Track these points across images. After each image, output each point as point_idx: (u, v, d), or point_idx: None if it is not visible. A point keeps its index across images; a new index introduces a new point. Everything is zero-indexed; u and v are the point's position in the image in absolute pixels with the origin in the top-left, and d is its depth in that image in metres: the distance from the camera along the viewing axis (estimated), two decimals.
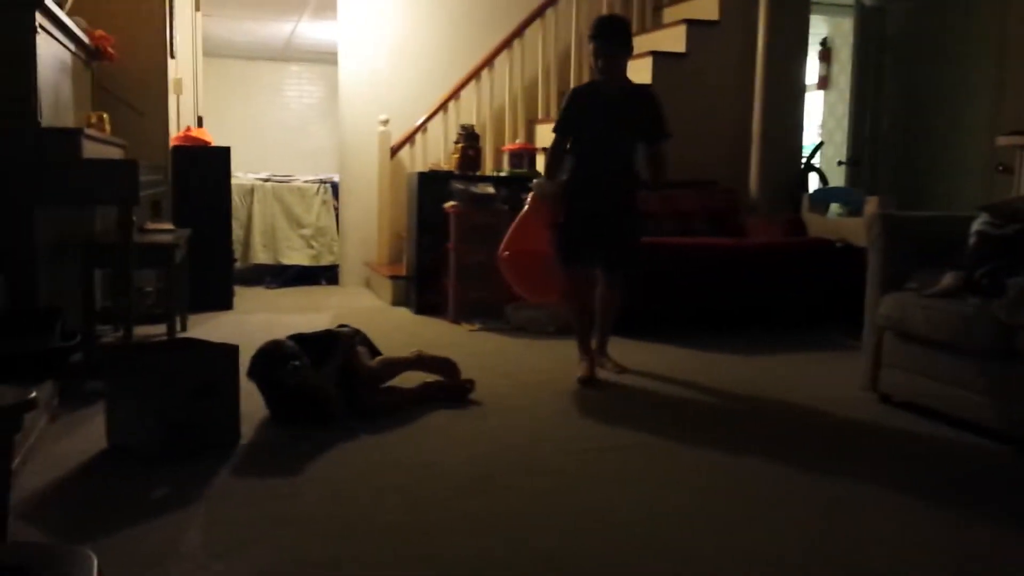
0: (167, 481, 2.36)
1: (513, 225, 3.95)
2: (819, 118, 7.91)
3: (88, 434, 2.71)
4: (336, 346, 3.02)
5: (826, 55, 7.71)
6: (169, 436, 2.50)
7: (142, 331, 4.21)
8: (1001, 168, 4.55)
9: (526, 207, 3.84)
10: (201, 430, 2.58)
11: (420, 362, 3.31)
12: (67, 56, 3.92)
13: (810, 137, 7.40)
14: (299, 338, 3.04)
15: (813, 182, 6.59)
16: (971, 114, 6.08)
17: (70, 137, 3.22)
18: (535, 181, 3.83)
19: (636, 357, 3.91)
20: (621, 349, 4.06)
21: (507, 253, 3.92)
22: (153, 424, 2.49)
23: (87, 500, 2.25)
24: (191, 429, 2.55)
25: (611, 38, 3.51)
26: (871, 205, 5.05)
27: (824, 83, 7.74)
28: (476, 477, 2.45)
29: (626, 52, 3.57)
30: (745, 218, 5.47)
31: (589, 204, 3.56)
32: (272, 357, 2.87)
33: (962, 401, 2.92)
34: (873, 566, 1.94)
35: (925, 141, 6.51)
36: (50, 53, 3.51)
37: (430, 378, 3.31)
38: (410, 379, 3.26)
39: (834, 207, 6.15)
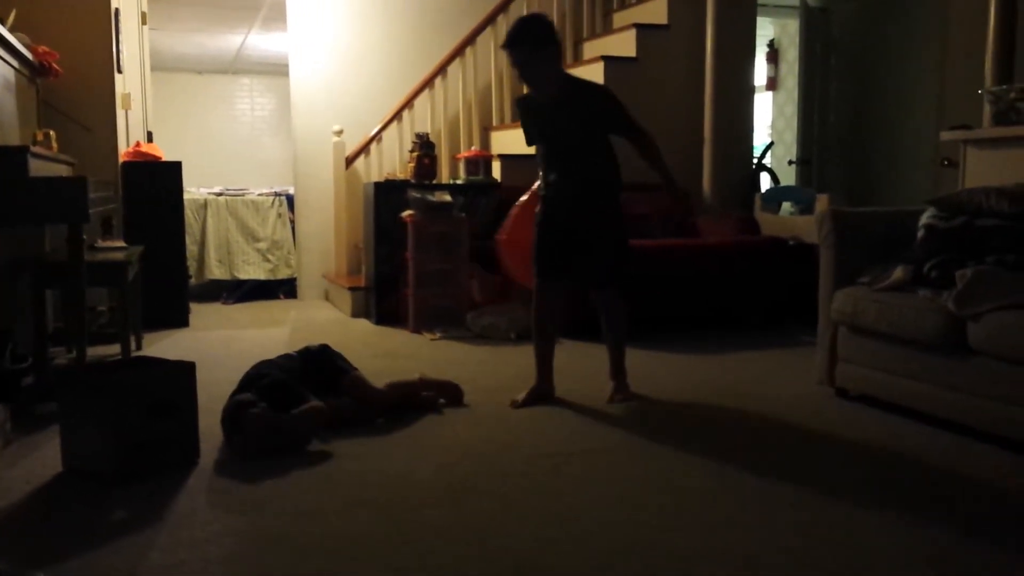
0: (126, 503, 2.31)
1: (514, 211, 3.77)
2: (769, 118, 8.04)
3: (43, 458, 2.65)
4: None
5: (773, 56, 7.85)
6: (126, 457, 2.45)
7: (95, 351, 4.13)
8: (946, 162, 4.66)
9: (526, 196, 3.67)
10: (159, 450, 2.53)
11: (425, 385, 3.31)
12: (10, 73, 3.85)
13: (761, 137, 7.52)
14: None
15: (765, 182, 6.70)
16: (916, 110, 6.22)
17: (15, 155, 3.15)
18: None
19: (596, 361, 3.93)
20: (581, 353, 4.08)
21: (505, 237, 3.83)
22: (109, 445, 2.44)
23: (43, 525, 2.20)
24: (149, 449, 2.50)
25: (512, 44, 3.21)
26: (821, 203, 5.16)
27: (773, 84, 7.88)
28: (446, 486, 2.44)
29: (537, 52, 3.18)
30: (698, 219, 5.53)
31: (558, 215, 3.33)
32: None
33: (915, 393, 2.99)
34: (843, 561, 1.97)
35: (872, 138, 6.65)
36: None
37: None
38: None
39: (786, 206, 6.26)
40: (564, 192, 3.31)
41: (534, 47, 3.18)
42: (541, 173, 3.40)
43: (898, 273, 3.11)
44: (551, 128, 3.32)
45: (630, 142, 3.31)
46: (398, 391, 3.22)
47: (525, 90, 3.38)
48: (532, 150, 3.48)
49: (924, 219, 3.21)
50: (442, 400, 3.30)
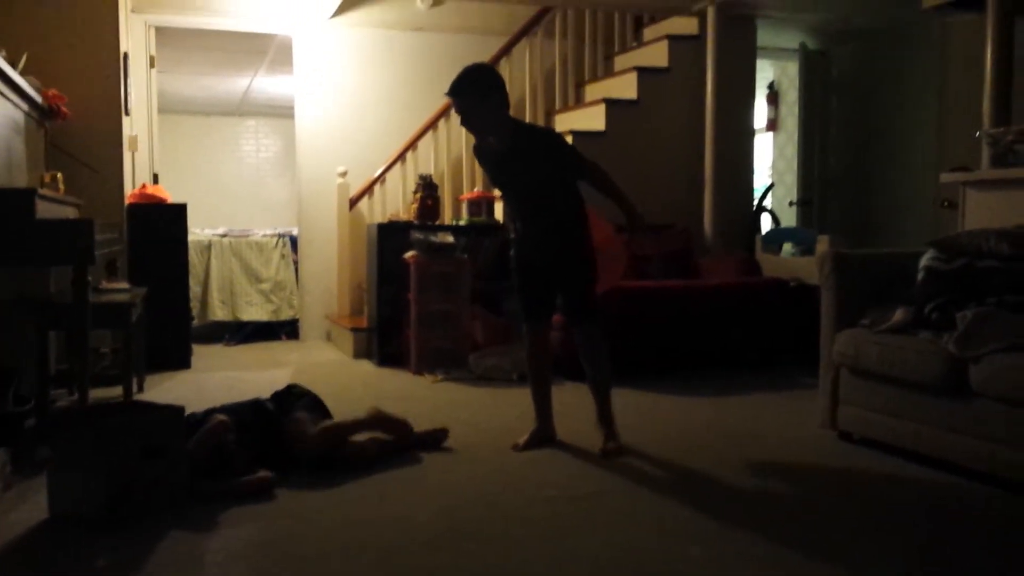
0: (112, 549, 2.28)
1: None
2: (769, 160, 8.09)
3: (42, 502, 2.62)
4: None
5: (773, 98, 7.92)
6: (114, 501, 2.44)
7: (98, 394, 4.13)
8: (946, 204, 4.68)
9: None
10: (147, 494, 2.52)
11: (376, 421, 3.23)
12: (19, 116, 3.90)
13: (761, 179, 7.56)
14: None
15: (766, 223, 6.73)
16: (915, 152, 6.27)
17: (23, 198, 3.18)
18: None
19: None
20: (582, 396, 4.07)
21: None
22: (97, 490, 2.43)
23: (35, 571, 2.18)
24: (136, 494, 2.49)
25: (455, 94, 3.16)
26: (822, 244, 5.17)
27: (773, 125, 7.94)
28: (446, 529, 2.42)
29: (477, 101, 3.14)
30: (700, 259, 5.55)
31: (532, 257, 3.31)
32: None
33: (918, 435, 2.97)
34: None
35: (872, 180, 6.69)
36: (2, 113, 3.50)
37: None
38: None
39: (787, 247, 6.28)
40: (531, 236, 3.31)
41: (478, 97, 3.13)
42: (510, 217, 3.39)
43: (899, 315, 3.12)
44: (507, 176, 3.30)
45: (588, 182, 3.27)
46: (335, 434, 3.06)
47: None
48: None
49: (924, 261, 3.22)
50: (382, 436, 3.20)
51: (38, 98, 4.19)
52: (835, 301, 3.36)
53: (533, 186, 3.26)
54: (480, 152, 3.34)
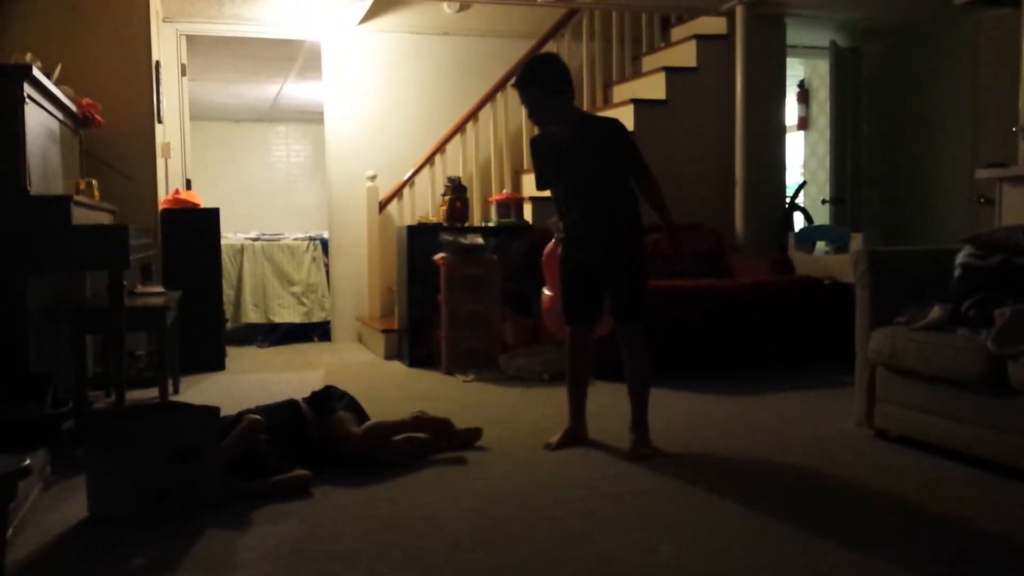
0: (148, 547, 2.31)
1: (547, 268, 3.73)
2: (801, 158, 8.02)
3: (80, 502, 2.67)
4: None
5: (804, 96, 7.85)
6: (149, 502, 2.46)
7: (135, 395, 4.18)
8: (982, 200, 4.61)
9: (549, 246, 3.64)
10: (182, 495, 2.53)
11: (418, 424, 3.25)
12: (55, 125, 3.96)
13: (793, 177, 7.49)
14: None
15: (798, 221, 6.66)
16: (949, 148, 6.18)
17: (59, 204, 3.24)
18: (551, 220, 3.49)
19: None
20: (614, 395, 4.05)
21: (547, 294, 3.77)
22: (132, 490, 2.46)
23: (71, 571, 2.21)
24: (171, 494, 2.51)
25: (522, 86, 3.17)
26: (856, 242, 5.13)
27: (804, 124, 7.86)
28: (477, 529, 2.43)
29: (545, 92, 3.14)
30: (732, 259, 5.51)
31: (582, 256, 3.27)
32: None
33: (957, 434, 2.93)
34: None
35: (906, 177, 6.61)
36: (38, 122, 3.55)
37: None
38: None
39: (820, 245, 6.22)
40: (587, 230, 3.25)
41: (543, 88, 3.15)
42: (560, 215, 3.35)
43: (935, 312, 3.07)
44: (570, 167, 3.25)
45: (635, 181, 3.24)
46: (376, 434, 3.11)
47: (535, 131, 3.37)
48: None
49: (961, 257, 3.18)
50: (421, 435, 3.22)
51: (73, 107, 4.25)
52: (870, 299, 3.32)
53: (595, 177, 3.22)
54: (539, 144, 3.32)
